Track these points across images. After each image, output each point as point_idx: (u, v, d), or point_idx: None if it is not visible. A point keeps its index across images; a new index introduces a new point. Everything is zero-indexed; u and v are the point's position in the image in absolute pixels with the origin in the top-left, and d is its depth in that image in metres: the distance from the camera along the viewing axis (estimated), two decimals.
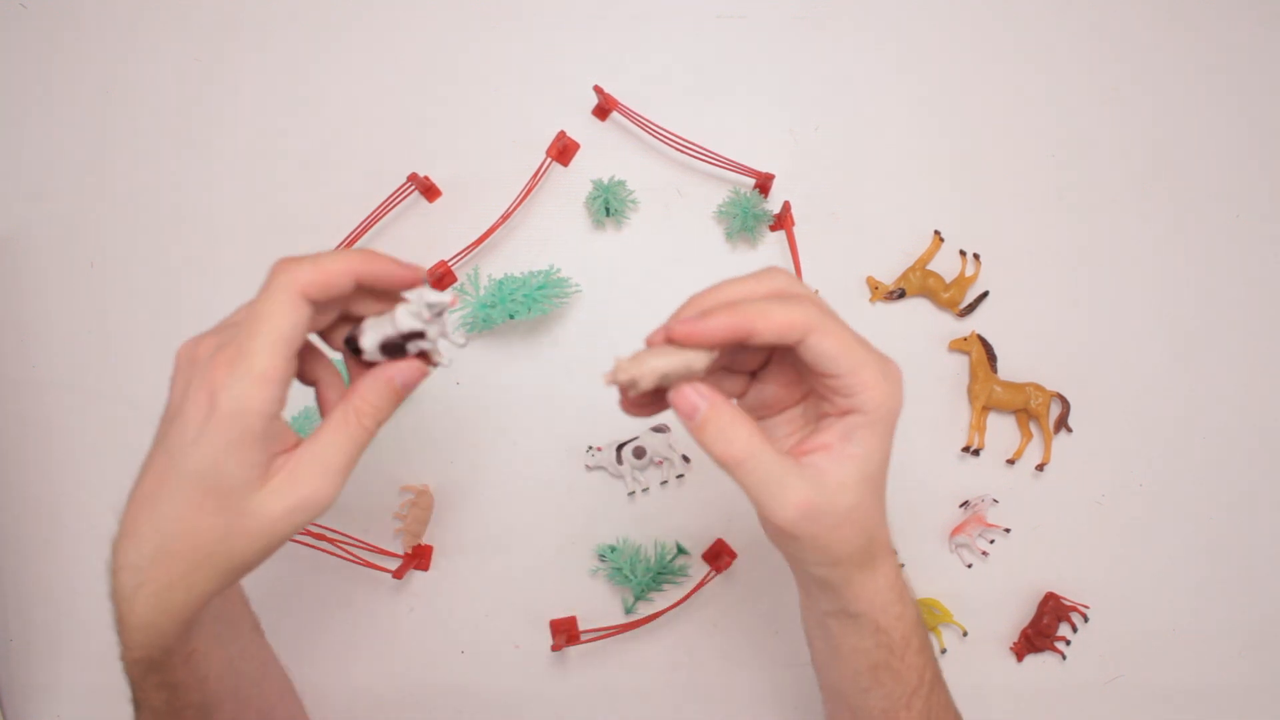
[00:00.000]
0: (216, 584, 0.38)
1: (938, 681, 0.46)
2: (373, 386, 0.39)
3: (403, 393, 0.40)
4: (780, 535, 0.39)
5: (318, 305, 0.37)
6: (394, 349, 0.39)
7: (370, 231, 0.65)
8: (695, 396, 0.38)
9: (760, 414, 0.44)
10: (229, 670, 0.45)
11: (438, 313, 0.39)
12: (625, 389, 0.38)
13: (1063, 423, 0.65)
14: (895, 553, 0.43)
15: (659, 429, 0.65)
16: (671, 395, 0.38)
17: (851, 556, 0.40)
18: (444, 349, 0.41)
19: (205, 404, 0.35)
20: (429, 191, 0.67)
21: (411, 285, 0.39)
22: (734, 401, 0.40)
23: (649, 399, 0.40)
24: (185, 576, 0.37)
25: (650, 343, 0.38)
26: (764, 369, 0.43)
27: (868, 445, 0.38)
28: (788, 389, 0.43)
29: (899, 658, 0.43)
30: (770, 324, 0.37)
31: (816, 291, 0.42)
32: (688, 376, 0.38)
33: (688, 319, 0.37)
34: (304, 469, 0.37)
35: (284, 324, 0.35)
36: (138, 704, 0.43)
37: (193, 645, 0.41)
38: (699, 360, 0.37)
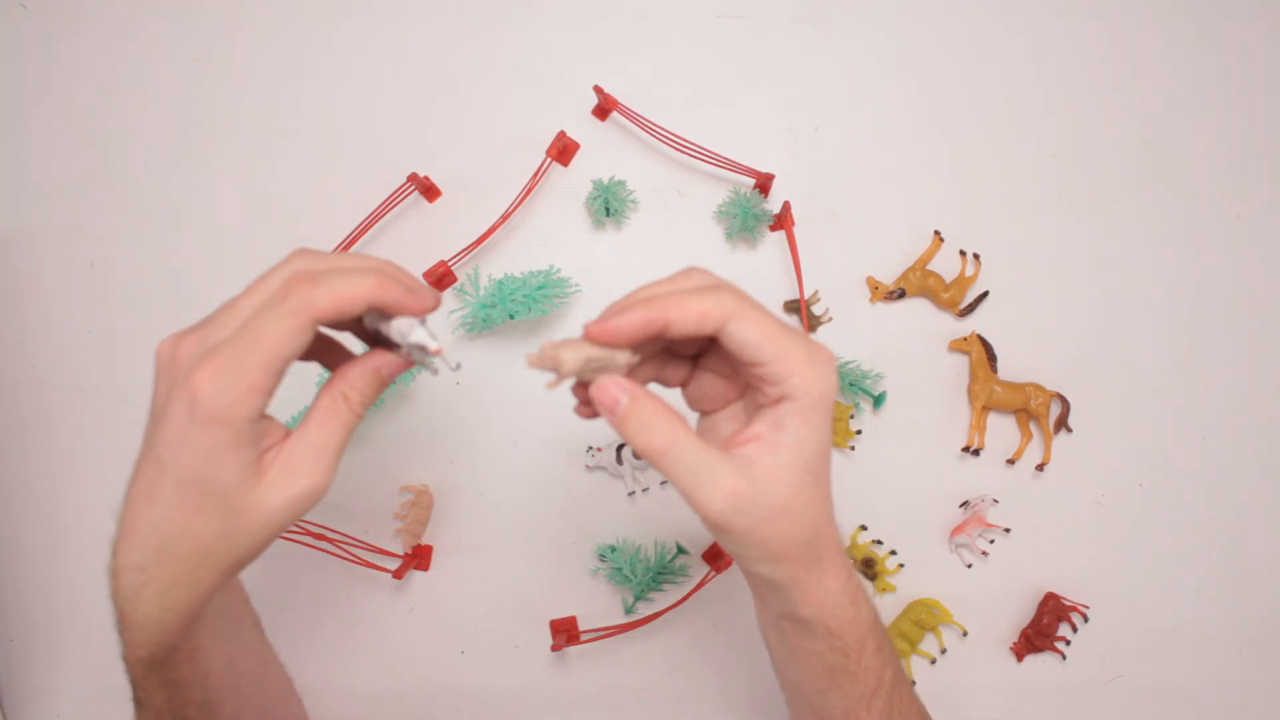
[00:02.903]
0: (219, 580, 0.38)
1: (900, 681, 0.45)
2: (361, 374, 0.39)
3: (388, 380, 0.40)
4: (715, 529, 0.38)
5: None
6: (389, 342, 0.40)
7: (370, 231, 0.65)
8: (616, 390, 0.38)
9: (704, 407, 0.43)
10: (230, 667, 0.45)
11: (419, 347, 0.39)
12: (559, 378, 0.38)
13: (1063, 423, 0.65)
14: (845, 553, 0.42)
15: None
16: (593, 390, 0.38)
17: (792, 553, 0.39)
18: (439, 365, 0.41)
19: (187, 409, 0.35)
20: (429, 191, 0.67)
21: (422, 314, 0.39)
22: (678, 390, 0.40)
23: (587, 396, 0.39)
24: (188, 574, 0.37)
25: (587, 332, 0.38)
26: (704, 356, 0.42)
27: (799, 433, 0.37)
28: (727, 381, 0.42)
29: (854, 660, 0.42)
30: (686, 313, 0.36)
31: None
32: (611, 369, 0.38)
33: (602, 318, 0.37)
34: (299, 460, 0.37)
35: (287, 349, 0.35)
36: (139, 703, 0.43)
37: (196, 641, 0.41)
38: (621, 354, 0.38)
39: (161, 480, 0.36)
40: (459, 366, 0.41)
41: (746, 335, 0.37)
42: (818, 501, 0.39)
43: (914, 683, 0.64)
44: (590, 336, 0.37)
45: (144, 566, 0.37)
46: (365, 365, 0.39)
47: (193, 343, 0.37)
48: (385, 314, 0.38)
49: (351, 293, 0.36)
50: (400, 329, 0.38)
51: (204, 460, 0.35)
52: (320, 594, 0.65)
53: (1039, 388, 0.65)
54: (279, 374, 0.35)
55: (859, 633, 0.42)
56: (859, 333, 0.66)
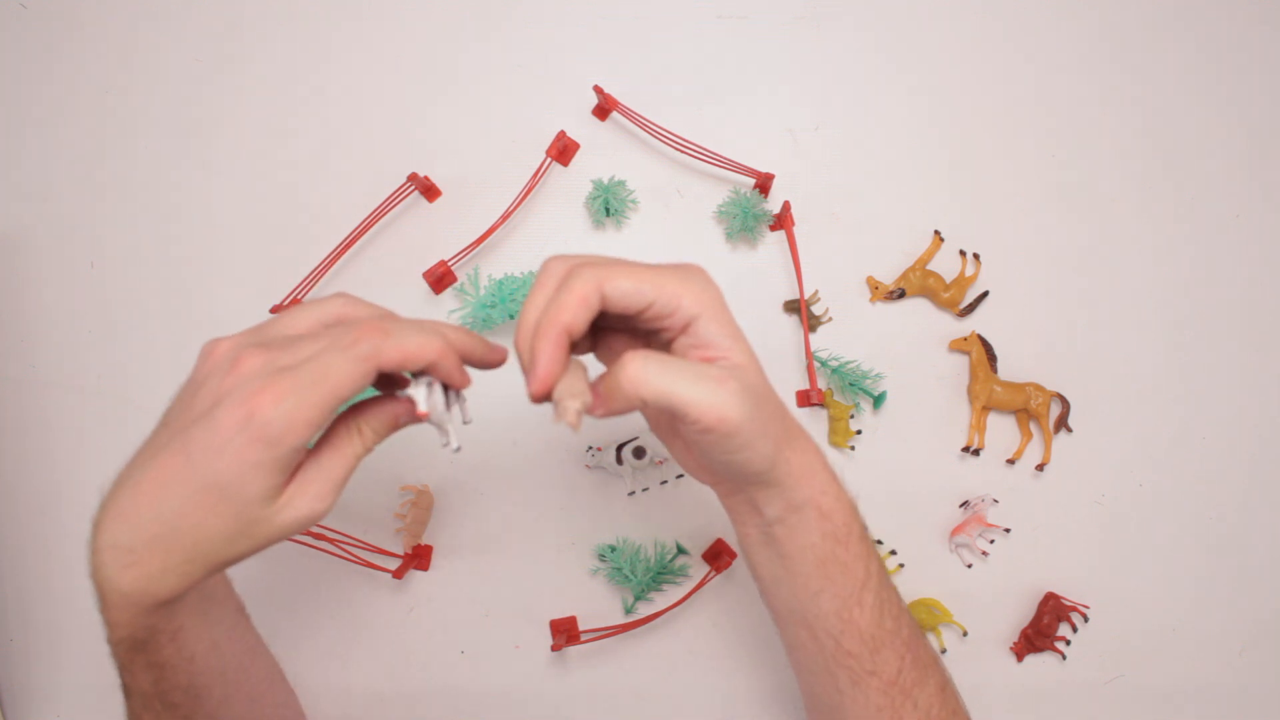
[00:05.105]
0: (207, 574, 0.39)
1: (885, 578, 0.47)
2: (378, 415, 0.42)
3: (400, 426, 0.43)
4: (724, 429, 0.39)
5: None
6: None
7: (370, 231, 0.65)
8: (601, 410, 0.40)
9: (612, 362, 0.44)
10: (215, 650, 0.45)
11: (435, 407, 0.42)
12: (579, 414, 0.40)
13: (1063, 423, 0.65)
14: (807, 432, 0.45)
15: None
16: (601, 415, 0.40)
17: (777, 434, 0.42)
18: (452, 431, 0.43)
19: (241, 420, 0.36)
20: (429, 191, 0.67)
21: (489, 367, 0.43)
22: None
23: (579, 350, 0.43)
24: (179, 566, 0.38)
25: (531, 395, 0.40)
26: (599, 320, 0.42)
27: (724, 332, 0.40)
28: (629, 335, 0.44)
29: (844, 547, 0.45)
30: (575, 312, 0.38)
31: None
32: (582, 378, 0.40)
33: (531, 375, 0.39)
34: (311, 483, 0.39)
35: (347, 391, 0.37)
36: (127, 690, 0.43)
37: (178, 622, 0.42)
38: (577, 368, 0.40)
39: (186, 475, 0.37)
40: (459, 449, 0.43)
41: (623, 288, 0.39)
42: (770, 387, 0.42)
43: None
44: (536, 398, 0.39)
45: (133, 549, 0.38)
46: (384, 407, 0.42)
47: (262, 361, 0.38)
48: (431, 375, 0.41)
49: (417, 352, 0.39)
50: (428, 397, 0.41)
51: (239, 472, 0.36)
52: (320, 594, 0.65)
53: (1039, 388, 0.65)
54: (333, 412, 0.37)
55: (845, 514, 0.45)
56: (859, 333, 0.66)
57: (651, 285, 0.39)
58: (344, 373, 0.37)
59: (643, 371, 0.38)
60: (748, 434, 0.39)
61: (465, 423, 0.43)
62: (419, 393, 0.41)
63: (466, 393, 0.43)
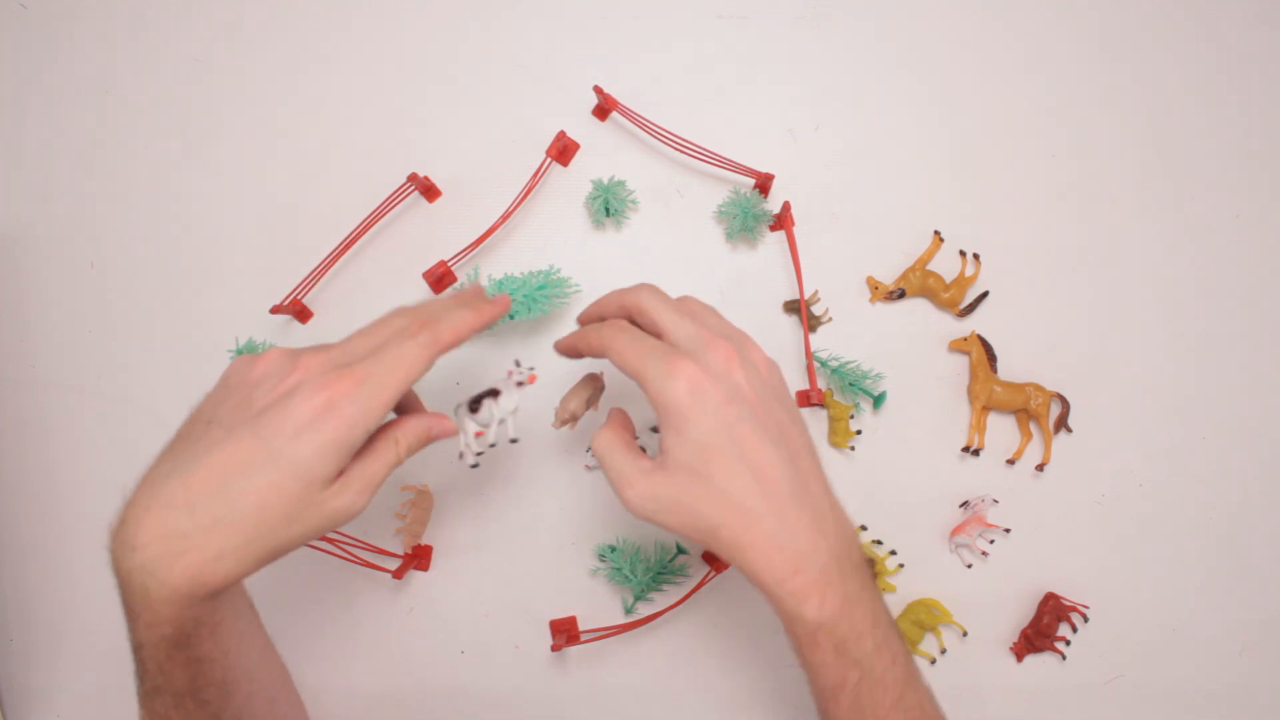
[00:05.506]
0: (258, 562, 0.41)
1: (872, 681, 0.46)
2: (415, 427, 0.47)
3: (433, 439, 0.48)
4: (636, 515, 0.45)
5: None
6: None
7: (370, 231, 0.65)
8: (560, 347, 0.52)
9: None
10: (242, 647, 0.46)
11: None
12: (574, 422, 0.53)
13: (1063, 423, 0.65)
14: (785, 544, 0.44)
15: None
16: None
17: (703, 540, 0.45)
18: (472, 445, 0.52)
19: (321, 406, 0.40)
20: (429, 191, 0.67)
21: (496, 318, 0.50)
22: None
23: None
24: (238, 549, 0.40)
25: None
26: None
27: (667, 439, 0.44)
28: None
29: (805, 652, 0.46)
30: (590, 349, 0.49)
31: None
32: (592, 396, 0.53)
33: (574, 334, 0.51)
34: (355, 479, 0.43)
35: (415, 373, 0.43)
36: (155, 690, 0.43)
37: (220, 615, 0.43)
38: (585, 392, 0.53)
39: (259, 458, 0.40)
40: (475, 464, 0.52)
41: (617, 362, 0.46)
42: (709, 495, 0.43)
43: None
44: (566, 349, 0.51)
45: (189, 535, 0.39)
46: (421, 420, 0.47)
47: (323, 359, 0.43)
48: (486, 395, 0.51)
49: (465, 326, 0.47)
50: (492, 409, 0.51)
51: (314, 451, 0.40)
52: (320, 594, 0.65)
53: (1039, 388, 0.65)
54: (402, 394, 0.43)
55: (808, 629, 0.44)
56: (859, 333, 0.66)
57: (635, 370, 0.45)
58: (415, 357, 0.43)
59: (614, 339, 0.46)
60: (664, 526, 0.46)
61: (472, 464, 0.52)
62: (497, 406, 0.51)
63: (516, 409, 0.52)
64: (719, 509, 0.43)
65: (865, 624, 0.44)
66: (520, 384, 0.51)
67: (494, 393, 0.51)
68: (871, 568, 0.64)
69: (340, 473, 0.42)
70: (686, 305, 0.48)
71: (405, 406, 0.51)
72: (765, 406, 0.44)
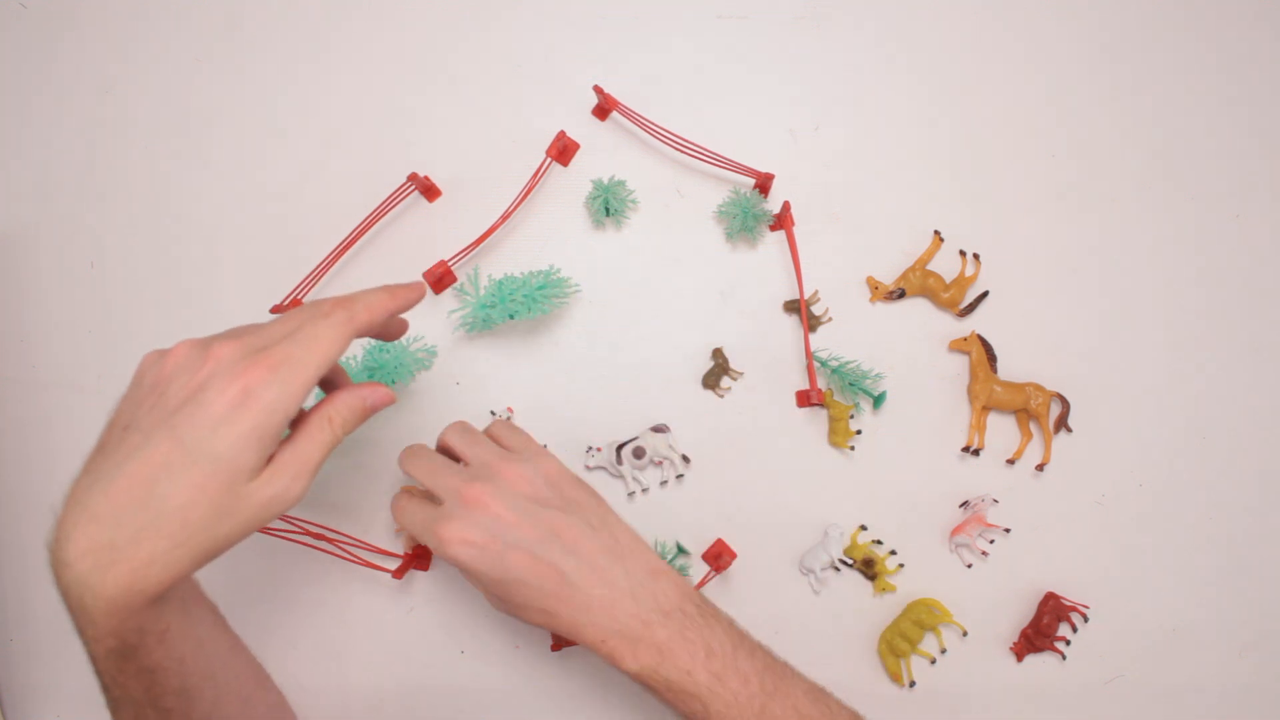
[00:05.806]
0: (192, 564, 0.40)
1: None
2: (348, 401, 0.45)
3: (370, 413, 0.46)
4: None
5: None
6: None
7: (370, 231, 0.65)
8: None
9: None
10: (201, 651, 0.46)
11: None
12: None
13: (1063, 423, 0.65)
14: (601, 607, 0.49)
15: (659, 429, 0.65)
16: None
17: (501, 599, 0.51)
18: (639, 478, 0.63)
19: (236, 396, 0.39)
20: (429, 191, 0.67)
21: (414, 303, 0.48)
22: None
23: None
24: (167, 554, 0.39)
25: None
26: None
27: (472, 581, 0.51)
28: None
29: (662, 695, 0.50)
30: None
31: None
32: None
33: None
34: (287, 465, 0.42)
35: (334, 351, 0.42)
36: (116, 702, 0.43)
37: (165, 623, 0.42)
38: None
39: (177, 458, 0.39)
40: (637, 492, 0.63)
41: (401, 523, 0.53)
42: (524, 606, 0.49)
43: (914, 683, 0.64)
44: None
45: (116, 545, 0.38)
46: (352, 393, 0.46)
47: (235, 346, 0.41)
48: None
49: (380, 305, 0.45)
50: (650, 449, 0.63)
51: (233, 444, 0.39)
52: (320, 594, 0.65)
53: (1039, 388, 0.65)
54: (322, 374, 0.42)
55: (635, 676, 0.49)
56: (859, 333, 0.66)
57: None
58: (330, 338, 0.42)
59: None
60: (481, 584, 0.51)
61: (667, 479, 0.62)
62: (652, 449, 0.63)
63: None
64: (534, 613, 0.50)
65: (693, 661, 0.48)
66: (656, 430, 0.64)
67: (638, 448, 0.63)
68: (872, 568, 0.64)
69: (270, 460, 0.41)
70: (462, 445, 0.54)
71: (333, 384, 0.50)
72: (530, 520, 0.49)
